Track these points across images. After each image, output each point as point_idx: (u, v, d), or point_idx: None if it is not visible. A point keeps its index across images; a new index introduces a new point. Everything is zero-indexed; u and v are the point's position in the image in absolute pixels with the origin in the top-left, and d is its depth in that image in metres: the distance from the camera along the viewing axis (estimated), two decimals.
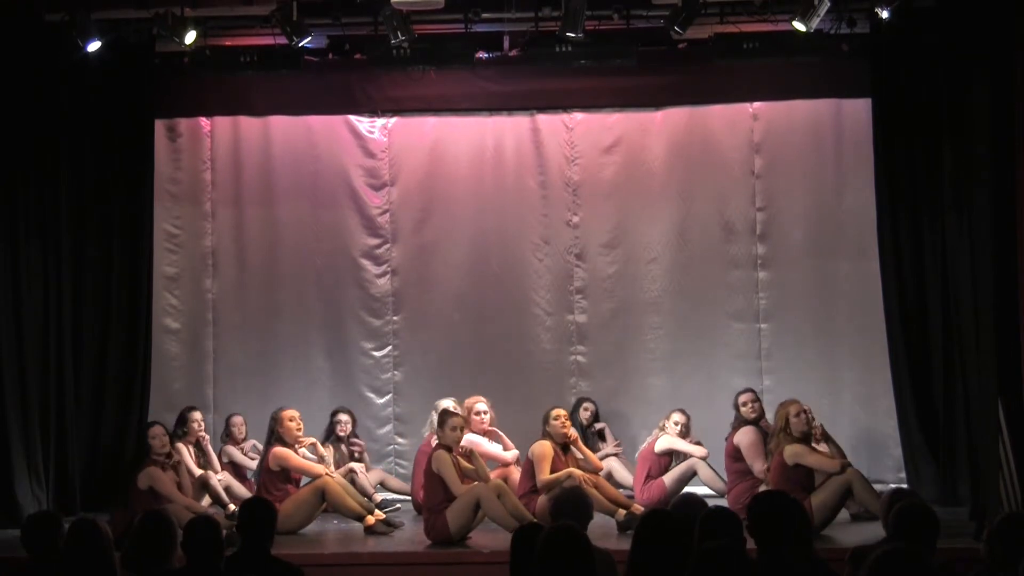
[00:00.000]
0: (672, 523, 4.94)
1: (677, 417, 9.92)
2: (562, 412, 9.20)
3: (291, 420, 9.24)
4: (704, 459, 9.79)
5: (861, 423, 10.70)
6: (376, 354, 11.12)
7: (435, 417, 9.38)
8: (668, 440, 9.81)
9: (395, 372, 11.13)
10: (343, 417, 10.33)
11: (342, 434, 10.25)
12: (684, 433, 9.90)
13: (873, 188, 10.32)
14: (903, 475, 10.26)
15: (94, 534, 5.17)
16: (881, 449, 10.59)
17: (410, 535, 9.08)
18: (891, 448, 10.45)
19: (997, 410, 8.76)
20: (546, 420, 9.09)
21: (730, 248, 10.99)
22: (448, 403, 9.68)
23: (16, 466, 9.62)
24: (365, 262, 11.18)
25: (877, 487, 9.74)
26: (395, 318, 11.16)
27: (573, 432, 9.19)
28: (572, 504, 6.09)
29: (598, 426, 10.48)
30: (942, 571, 4.98)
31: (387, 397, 11.05)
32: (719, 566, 4.26)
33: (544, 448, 8.95)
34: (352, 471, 9.87)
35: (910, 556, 4.03)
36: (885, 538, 5.23)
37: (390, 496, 10.12)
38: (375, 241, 11.18)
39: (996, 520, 5.02)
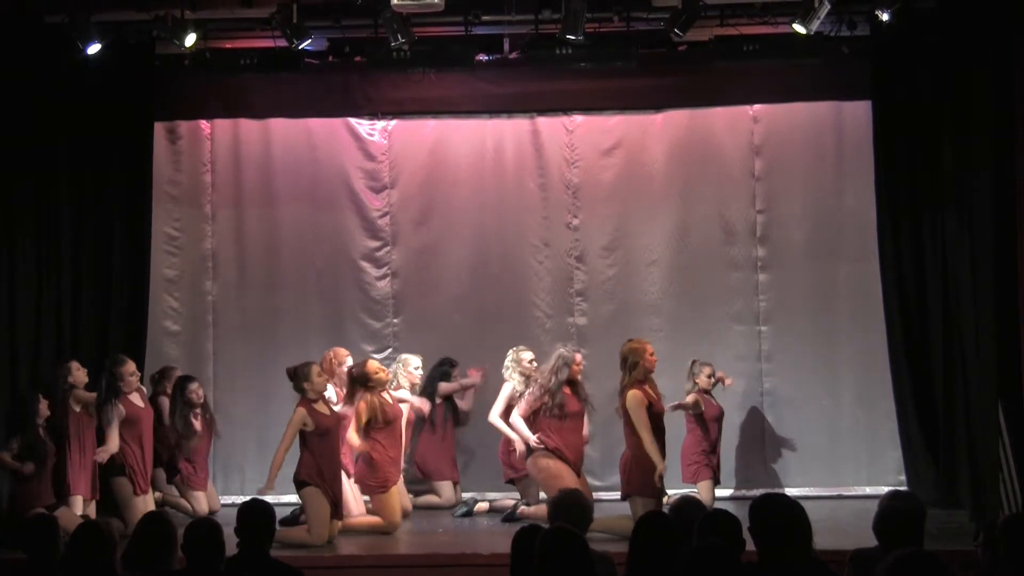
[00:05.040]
0: (671, 525, 4.94)
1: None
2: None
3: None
4: None
5: (861, 424, 10.70)
6: (376, 356, 11.08)
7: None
8: None
9: None
10: (194, 385, 10.10)
11: (197, 400, 10.11)
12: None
13: (873, 190, 10.32)
14: (903, 477, 10.25)
15: (95, 534, 5.17)
16: (881, 450, 10.58)
17: (410, 535, 9.08)
18: (891, 449, 10.43)
19: (997, 410, 8.78)
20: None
21: (730, 250, 10.98)
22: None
23: None
24: (365, 264, 11.18)
25: (877, 489, 9.80)
26: (395, 320, 11.16)
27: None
28: (571, 507, 6.07)
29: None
30: None
31: None
32: (707, 564, 4.26)
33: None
34: None
35: (926, 560, 3.99)
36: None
37: None
38: (375, 243, 11.18)
39: (999, 523, 4.99)
